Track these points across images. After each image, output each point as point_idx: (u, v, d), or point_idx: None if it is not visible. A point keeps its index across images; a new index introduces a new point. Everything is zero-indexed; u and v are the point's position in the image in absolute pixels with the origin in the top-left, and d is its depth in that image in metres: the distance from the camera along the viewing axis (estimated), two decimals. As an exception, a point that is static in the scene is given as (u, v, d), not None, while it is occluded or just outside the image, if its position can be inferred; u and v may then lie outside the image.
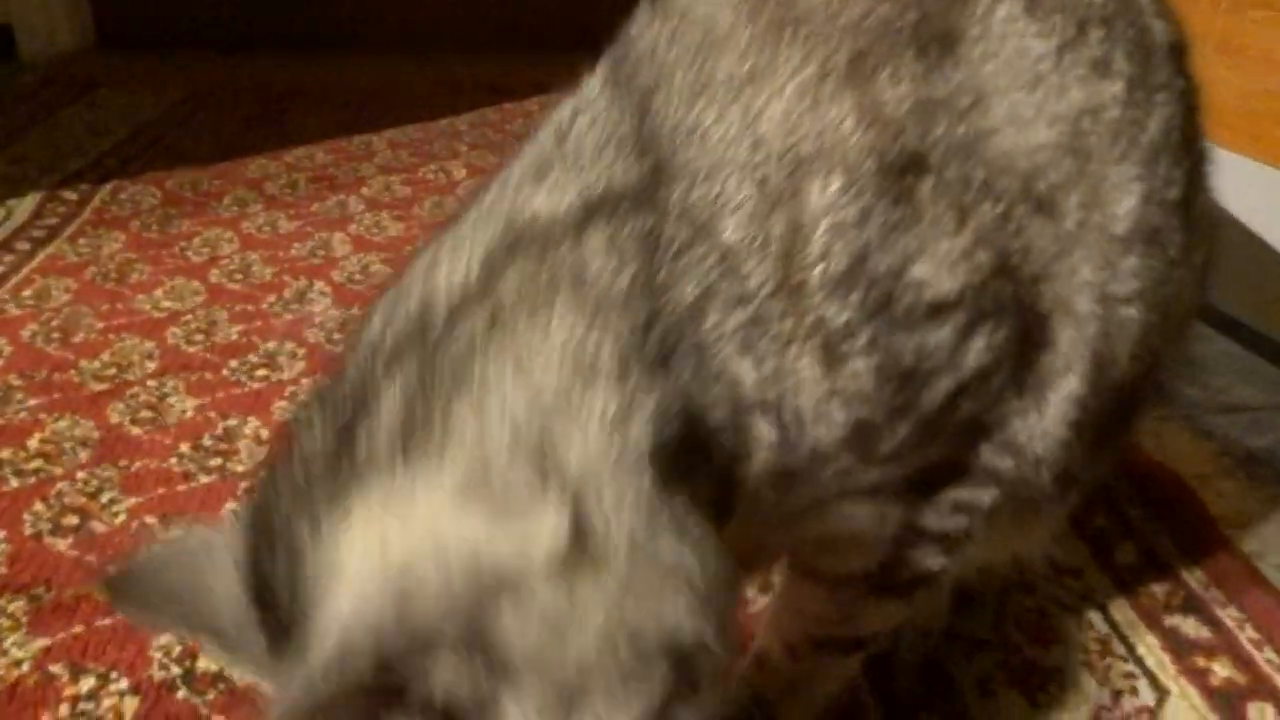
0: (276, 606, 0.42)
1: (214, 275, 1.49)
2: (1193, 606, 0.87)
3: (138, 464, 1.05)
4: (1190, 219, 0.62)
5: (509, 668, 0.38)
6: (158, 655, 0.80)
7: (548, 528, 0.40)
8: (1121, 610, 0.87)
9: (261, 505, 0.45)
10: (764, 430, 0.47)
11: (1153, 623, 0.86)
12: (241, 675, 0.48)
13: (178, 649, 0.81)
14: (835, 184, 0.46)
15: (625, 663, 0.39)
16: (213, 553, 0.45)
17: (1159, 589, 0.89)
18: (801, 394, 0.47)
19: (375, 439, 0.42)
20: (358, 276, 1.49)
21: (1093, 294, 0.56)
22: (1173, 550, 0.94)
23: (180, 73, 2.49)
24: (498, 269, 0.45)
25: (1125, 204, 0.56)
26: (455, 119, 2.23)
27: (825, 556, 0.59)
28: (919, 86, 0.49)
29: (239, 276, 1.49)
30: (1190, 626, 0.85)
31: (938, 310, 0.49)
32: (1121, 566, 0.92)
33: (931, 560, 0.60)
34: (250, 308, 1.39)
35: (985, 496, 0.58)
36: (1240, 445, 1.08)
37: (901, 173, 0.48)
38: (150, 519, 0.96)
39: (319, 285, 1.46)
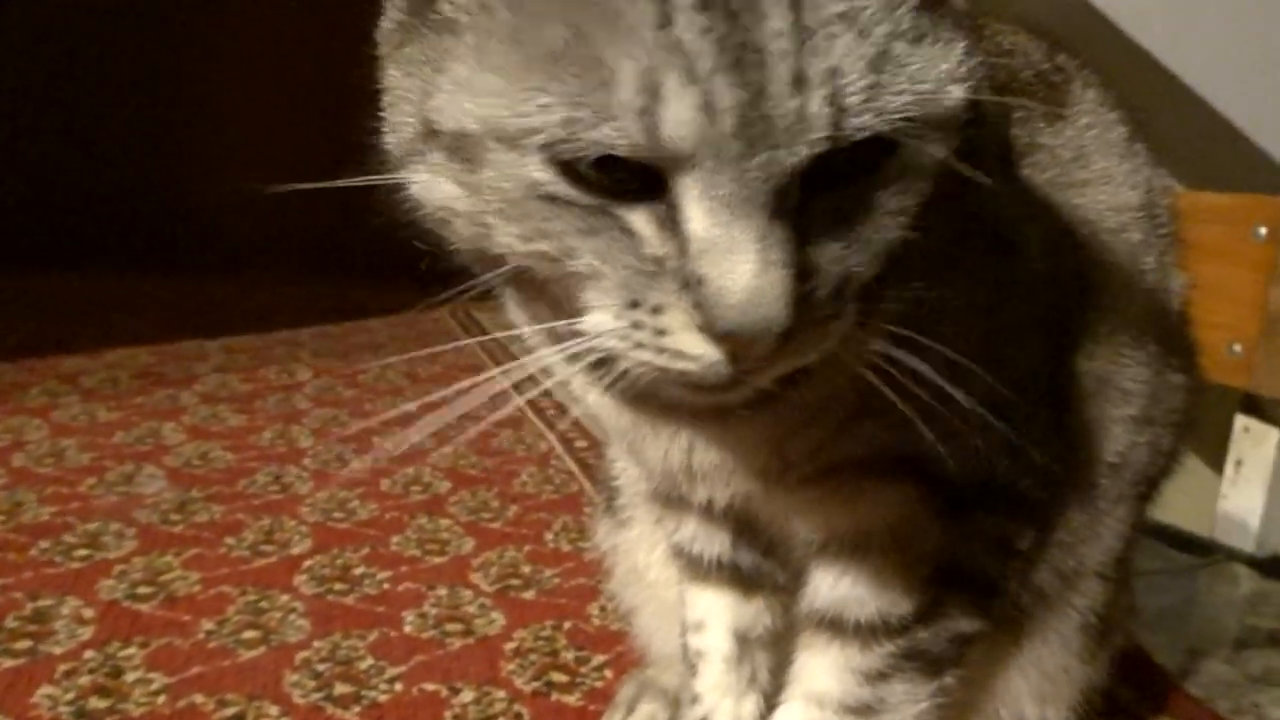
0: None
1: (18, 459, 1.27)
2: (1170, 747, 0.82)
3: (-86, 649, 0.82)
4: None
5: None
6: None
7: None
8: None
9: None
10: None
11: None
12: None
13: None
14: None
15: None
16: None
17: (1131, 732, 0.84)
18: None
19: None
20: (196, 461, 1.31)
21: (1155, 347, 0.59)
22: (1131, 695, 0.89)
23: (-22, 279, 2.28)
24: None
25: (1177, 280, 0.63)
26: (295, 332, 2.13)
27: (862, 567, 0.54)
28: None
29: (49, 461, 1.28)
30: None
31: None
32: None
33: (965, 618, 0.56)
34: (65, 490, 1.18)
35: (1020, 538, 0.56)
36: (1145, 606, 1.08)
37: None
38: (-69, 708, 0.74)
39: (149, 469, 1.27)
